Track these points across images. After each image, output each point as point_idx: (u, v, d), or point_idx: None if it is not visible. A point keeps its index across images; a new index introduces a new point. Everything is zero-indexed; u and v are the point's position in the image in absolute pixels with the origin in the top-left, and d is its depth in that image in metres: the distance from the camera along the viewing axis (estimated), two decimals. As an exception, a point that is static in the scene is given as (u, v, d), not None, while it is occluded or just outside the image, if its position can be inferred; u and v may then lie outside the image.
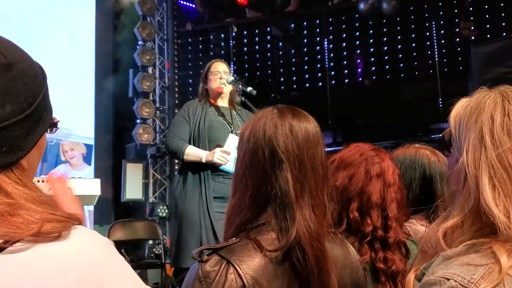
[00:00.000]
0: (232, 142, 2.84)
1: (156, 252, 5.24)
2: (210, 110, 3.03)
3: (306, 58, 7.21)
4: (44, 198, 0.68)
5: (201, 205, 2.83)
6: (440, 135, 4.95)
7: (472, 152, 0.80)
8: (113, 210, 5.87)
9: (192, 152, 2.88)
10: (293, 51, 7.17)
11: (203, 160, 2.83)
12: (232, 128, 2.99)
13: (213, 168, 2.89)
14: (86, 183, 3.37)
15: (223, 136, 2.95)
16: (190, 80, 6.82)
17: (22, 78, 0.69)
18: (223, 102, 3.11)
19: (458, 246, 0.79)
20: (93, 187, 3.35)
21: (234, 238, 0.98)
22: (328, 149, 1.52)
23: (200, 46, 7.28)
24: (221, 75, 3.05)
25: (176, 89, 6.62)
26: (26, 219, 0.63)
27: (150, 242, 5.44)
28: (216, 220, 2.82)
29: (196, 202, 2.85)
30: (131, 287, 0.69)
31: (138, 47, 6.07)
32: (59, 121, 0.80)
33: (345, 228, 1.33)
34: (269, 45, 7.31)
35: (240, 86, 3.08)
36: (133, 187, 5.66)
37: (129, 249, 4.64)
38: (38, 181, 2.99)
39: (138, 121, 5.96)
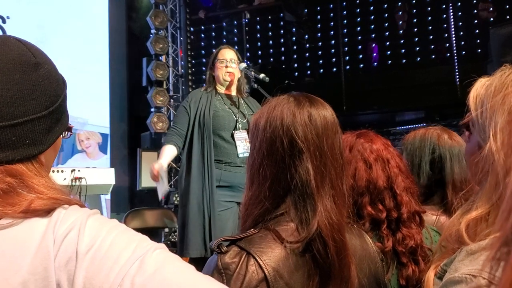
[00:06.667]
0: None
1: (172, 240, 5.29)
2: (216, 99, 3.00)
3: (320, 43, 7.10)
4: (57, 186, 0.71)
5: (204, 194, 2.82)
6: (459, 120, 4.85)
7: (501, 137, 0.73)
8: (129, 199, 5.92)
9: (162, 151, 2.95)
10: (306, 36, 7.08)
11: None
12: (237, 117, 2.96)
13: (218, 156, 2.88)
14: (100, 172, 3.40)
15: (228, 124, 2.93)
16: (203, 68, 6.78)
17: (48, 78, 0.74)
18: (230, 90, 3.08)
19: (484, 240, 0.72)
20: (107, 176, 3.39)
21: (252, 229, 0.96)
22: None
23: (213, 34, 7.22)
24: (227, 63, 3.02)
25: (190, 77, 6.61)
26: (23, 197, 0.65)
27: (166, 230, 5.48)
28: (220, 209, 2.81)
29: (199, 192, 2.84)
30: (117, 250, 0.62)
31: (151, 35, 6.06)
32: (73, 127, 0.88)
33: (369, 224, 1.32)
34: (282, 31, 7.21)
35: (252, 73, 3.05)
36: (149, 175, 5.66)
37: (146, 237, 4.67)
38: (53, 171, 3.04)
39: (152, 109, 5.97)
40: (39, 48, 0.77)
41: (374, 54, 6.83)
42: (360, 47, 6.94)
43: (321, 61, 7.06)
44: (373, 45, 6.85)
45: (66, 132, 0.82)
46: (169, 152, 2.90)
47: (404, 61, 6.66)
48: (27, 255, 0.60)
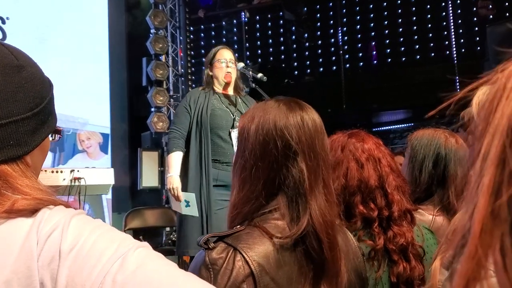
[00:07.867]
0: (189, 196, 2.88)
1: (173, 239, 5.30)
2: (214, 98, 3.02)
3: (319, 42, 7.11)
4: (42, 187, 0.71)
5: (202, 193, 2.85)
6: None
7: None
8: (130, 198, 5.95)
9: (170, 161, 2.94)
10: (306, 35, 7.09)
11: (167, 175, 2.97)
12: (234, 116, 2.98)
13: (216, 156, 2.90)
14: (100, 172, 3.42)
15: (225, 123, 2.95)
16: (203, 67, 6.79)
17: (32, 80, 0.74)
18: (228, 90, 3.10)
19: None
20: (107, 176, 3.41)
21: (238, 226, 0.98)
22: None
23: (213, 33, 7.24)
24: (227, 63, 3.03)
25: (189, 77, 6.63)
26: (6, 198, 0.65)
27: (167, 229, 5.50)
28: (217, 208, 2.83)
29: (197, 191, 2.87)
30: (100, 249, 0.63)
31: (150, 35, 6.08)
32: (62, 129, 0.85)
33: (361, 223, 1.34)
34: (282, 30, 7.23)
35: (250, 72, 3.06)
36: (149, 175, 5.72)
37: (146, 236, 4.71)
38: (52, 171, 3.06)
39: (152, 109, 6.00)
40: (22, 51, 0.77)
41: (374, 53, 6.84)
42: (359, 45, 6.95)
43: (320, 60, 7.08)
44: (373, 43, 6.86)
45: (55, 135, 0.82)
46: (178, 160, 2.92)
47: (403, 59, 6.67)
48: (11, 254, 0.61)
